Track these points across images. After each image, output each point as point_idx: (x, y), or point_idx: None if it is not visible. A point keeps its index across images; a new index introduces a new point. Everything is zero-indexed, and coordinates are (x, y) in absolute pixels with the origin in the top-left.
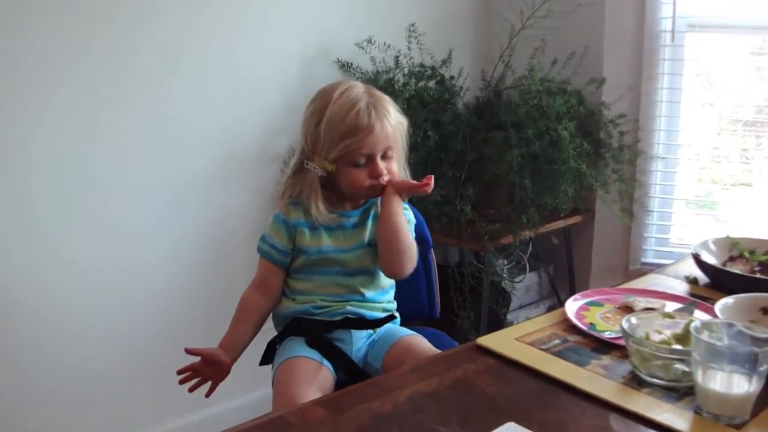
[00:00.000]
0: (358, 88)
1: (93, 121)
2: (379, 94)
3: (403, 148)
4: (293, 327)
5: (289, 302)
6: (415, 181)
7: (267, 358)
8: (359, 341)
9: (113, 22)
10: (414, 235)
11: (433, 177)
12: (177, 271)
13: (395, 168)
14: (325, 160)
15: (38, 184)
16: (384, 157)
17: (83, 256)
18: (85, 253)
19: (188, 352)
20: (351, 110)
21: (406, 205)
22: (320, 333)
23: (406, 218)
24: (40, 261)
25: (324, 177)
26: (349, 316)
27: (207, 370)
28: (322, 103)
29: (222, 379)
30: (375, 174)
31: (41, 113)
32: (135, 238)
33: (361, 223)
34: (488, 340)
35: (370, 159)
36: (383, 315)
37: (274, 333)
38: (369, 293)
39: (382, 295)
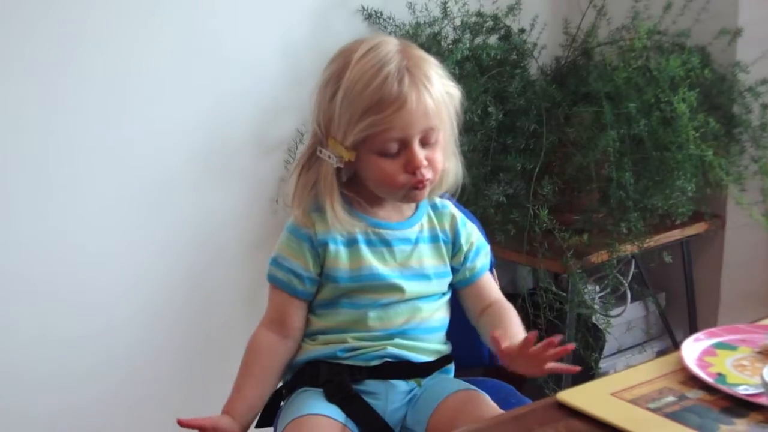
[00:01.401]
0: (389, 45)
1: (35, 103)
2: (418, 53)
3: (452, 130)
4: (307, 374)
5: (308, 345)
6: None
7: (267, 418)
8: (397, 397)
9: None
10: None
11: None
12: (145, 302)
13: (440, 158)
14: (341, 145)
15: None
16: (424, 142)
17: (9, 285)
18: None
19: (182, 424)
20: (376, 76)
21: (465, 216)
22: (346, 382)
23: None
24: None
25: (344, 170)
26: (389, 359)
27: None
28: (338, 66)
29: None
30: (411, 166)
31: None
32: (87, 260)
33: (414, 242)
34: (573, 396)
35: (404, 145)
36: (434, 358)
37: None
38: (419, 324)
39: (436, 331)
